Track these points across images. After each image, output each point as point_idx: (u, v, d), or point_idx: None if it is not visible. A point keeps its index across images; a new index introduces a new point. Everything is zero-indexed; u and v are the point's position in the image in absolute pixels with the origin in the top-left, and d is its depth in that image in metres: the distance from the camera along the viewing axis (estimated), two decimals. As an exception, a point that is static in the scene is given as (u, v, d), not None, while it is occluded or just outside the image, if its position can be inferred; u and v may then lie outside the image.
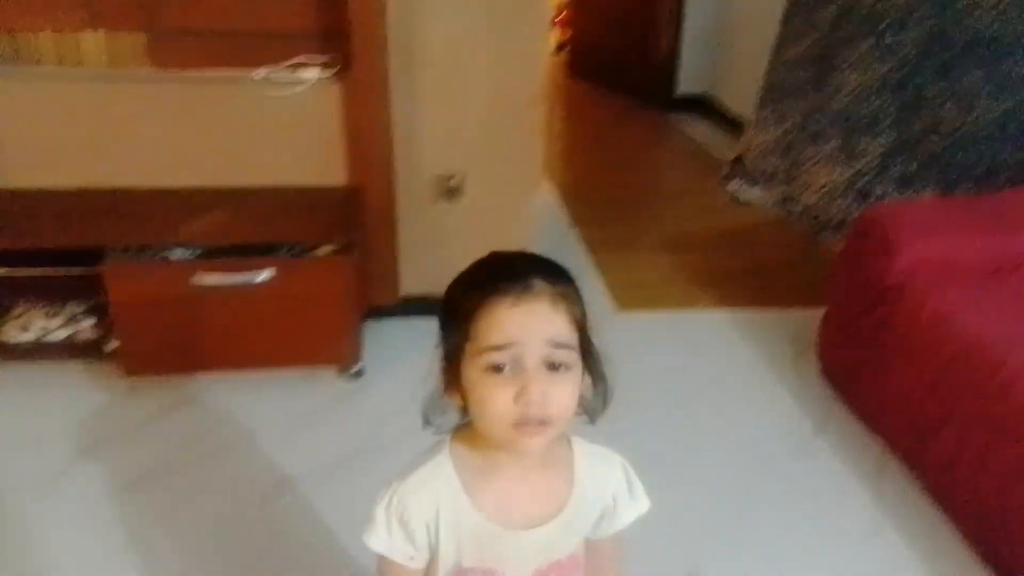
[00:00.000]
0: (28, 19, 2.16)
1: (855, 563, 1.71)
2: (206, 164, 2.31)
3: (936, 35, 2.83)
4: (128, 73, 2.23)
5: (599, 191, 3.91)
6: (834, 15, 3.25)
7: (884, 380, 2.00)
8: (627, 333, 2.55)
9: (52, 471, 1.88)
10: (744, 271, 3.03)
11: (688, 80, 5.17)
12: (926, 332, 1.87)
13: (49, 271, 2.18)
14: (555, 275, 0.84)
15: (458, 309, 0.83)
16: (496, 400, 0.80)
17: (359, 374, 2.27)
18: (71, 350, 2.23)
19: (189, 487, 1.85)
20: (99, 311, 2.22)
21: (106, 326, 2.19)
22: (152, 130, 2.26)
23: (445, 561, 0.90)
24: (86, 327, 2.23)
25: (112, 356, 2.16)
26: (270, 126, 2.28)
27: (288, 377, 2.23)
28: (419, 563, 0.91)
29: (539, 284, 0.81)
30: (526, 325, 0.80)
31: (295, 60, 2.25)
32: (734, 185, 3.85)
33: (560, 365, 0.81)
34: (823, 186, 3.32)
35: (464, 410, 0.87)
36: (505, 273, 0.82)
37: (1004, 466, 1.62)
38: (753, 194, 3.74)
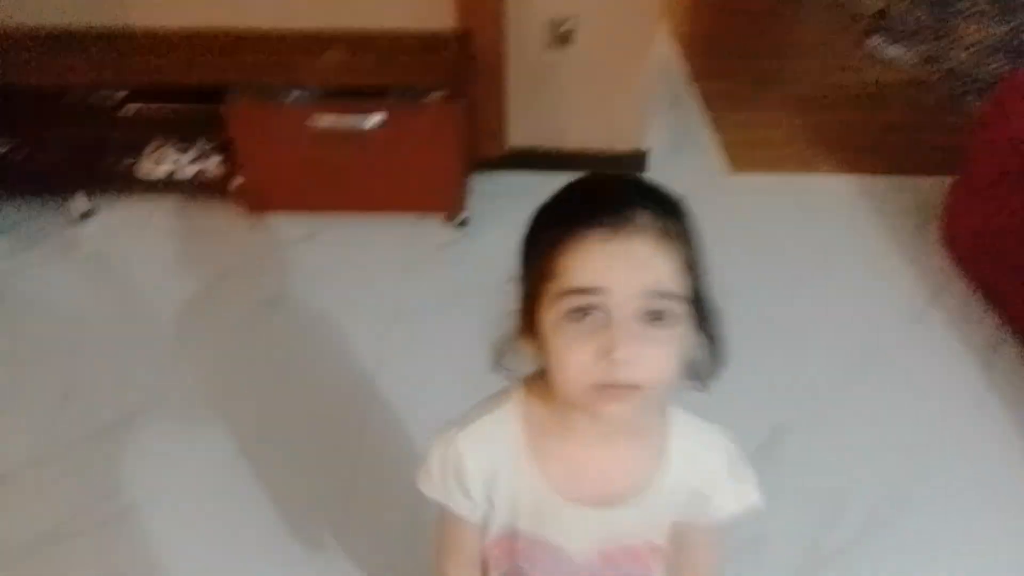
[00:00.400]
0: None
1: (952, 433, 1.68)
2: (323, 5, 2.32)
3: None
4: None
5: (723, 43, 3.68)
6: None
7: (1009, 249, 1.88)
8: (741, 197, 2.48)
9: (195, 290, 2.07)
10: (872, 134, 2.83)
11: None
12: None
13: (179, 108, 2.30)
14: (666, 208, 0.69)
15: (540, 239, 0.70)
16: (574, 356, 0.66)
17: (464, 223, 2.32)
18: (200, 187, 2.37)
19: (310, 311, 2.00)
20: (226, 148, 2.34)
21: (231, 164, 2.32)
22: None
23: (500, 520, 0.81)
24: (213, 164, 2.36)
25: (236, 193, 2.29)
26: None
27: (397, 221, 2.32)
28: (478, 517, 0.82)
29: (643, 217, 0.66)
30: (620, 267, 0.65)
31: None
32: (874, 40, 3.56)
33: (660, 319, 0.66)
34: (975, 43, 3.02)
35: (539, 358, 0.73)
36: (602, 199, 0.68)
37: None
38: (895, 51, 3.45)
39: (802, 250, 2.24)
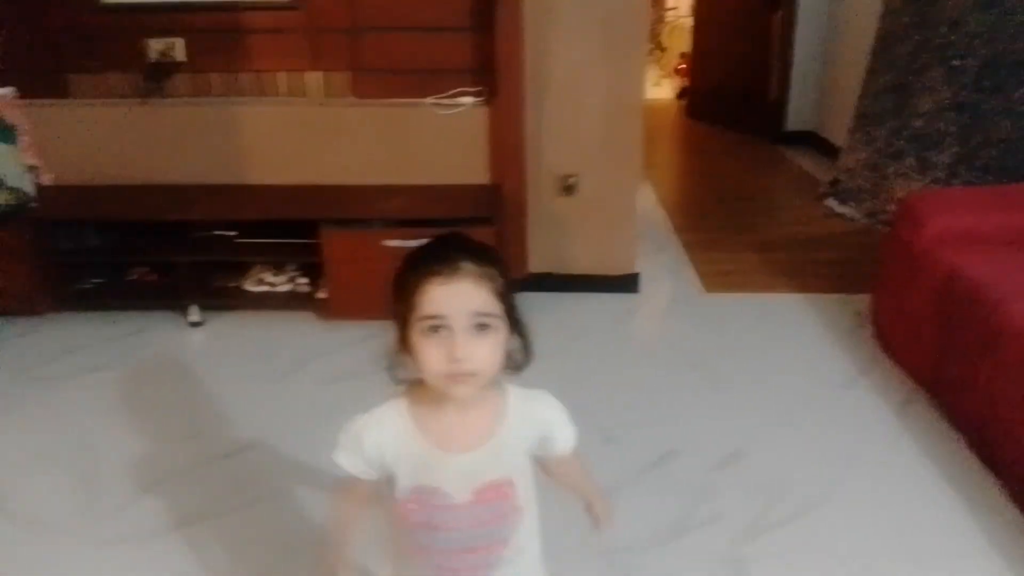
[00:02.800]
0: (268, 62, 3.07)
1: (872, 456, 2.19)
2: (390, 166, 3.11)
3: (992, 58, 3.28)
4: (338, 101, 3.08)
5: (704, 207, 4.49)
6: (911, 49, 3.74)
7: (913, 329, 2.48)
8: (713, 309, 3.13)
9: (281, 372, 2.67)
10: (821, 266, 3.51)
11: (796, 117, 5.67)
12: (945, 287, 2.34)
13: (274, 242, 3.03)
14: (480, 256, 1.01)
15: (404, 285, 1.01)
16: (431, 358, 0.99)
17: (495, 325, 2.95)
18: (290, 300, 3.05)
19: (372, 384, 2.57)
20: (310, 273, 3.04)
21: (315, 284, 3.01)
22: (352, 142, 3.09)
23: (401, 482, 1.09)
24: (302, 284, 3.06)
25: (320, 304, 2.96)
26: (436, 139, 3.07)
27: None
28: (370, 476, 1.12)
29: (465, 266, 0.98)
30: (453, 300, 0.97)
31: (456, 90, 3.03)
32: (830, 201, 4.35)
33: (483, 328, 0.99)
34: (902, 197, 3.79)
35: (413, 364, 1.04)
36: (439, 256, 0.99)
37: (995, 384, 2.07)
38: (845, 209, 4.23)
39: (762, 345, 2.84)
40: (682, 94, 7.22)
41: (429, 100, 3.03)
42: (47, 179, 3.14)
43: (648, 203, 4.36)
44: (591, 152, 3.05)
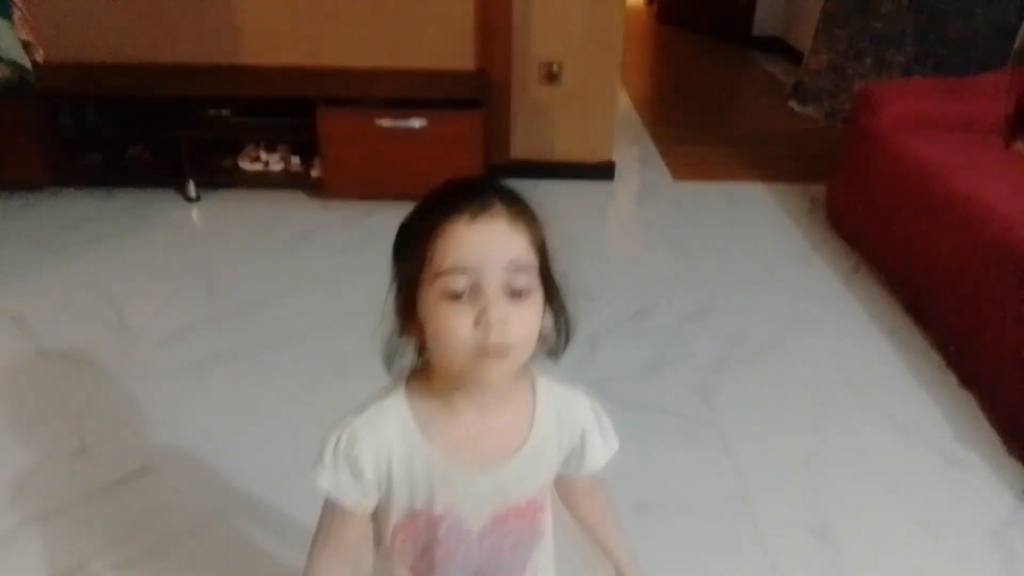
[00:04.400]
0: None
1: (819, 315, 2.49)
2: (380, 51, 3.23)
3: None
4: (329, -16, 3.17)
5: (673, 106, 4.69)
6: (875, -48, 3.90)
7: (866, 207, 2.75)
8: (680, 194, 3.37)
9: (284, 243, 2.85)
10: (782, 159, 3.76)
11: (764, 22, 5.83)
12: (897, 165, 2.60)
13: (269, 120, 3.15)
14: (514, 198, 0.80)
15: (415, 233, 0.78)
16: (455, 327, 0.74)
17: (481, 204, 3.15)
18: (283, 179, 3.20)
19: (368, 262, 2.78)
20: (302, 152, 3.18)
21: (307, 163, 3.16)
22: (346, 26, 3.19)
23: (399, 505, 0.85)
24: (294, 163, 3.21)
25: (314, 182, 3.12)
26: (425, 24, 3.19)
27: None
28: (365, 509, 0.86)
29: (497, 203, 0.77)
30: (485, 245, 0.74)
31: (444, -24, 3.14)
32: (792, 103, 4.57)
33: (521, 291, 0.76)
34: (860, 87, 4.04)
35: (420, 349, 0.82)
36: (462, 192, 0.78)
37: (932, 246, 2.36)
38: (807, 109, 4.46)
39: (726, 226, 3.11)
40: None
41: (418, -14, 3.13)
42: (39, 55, 3.18)
43: (621, 102, 4.53)
44: (574, 41, 3.21)
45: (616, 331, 2.37)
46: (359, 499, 0.84)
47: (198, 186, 3.15)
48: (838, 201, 3.02)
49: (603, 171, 3.44)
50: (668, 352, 2.28)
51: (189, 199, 3.14)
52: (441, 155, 3.01)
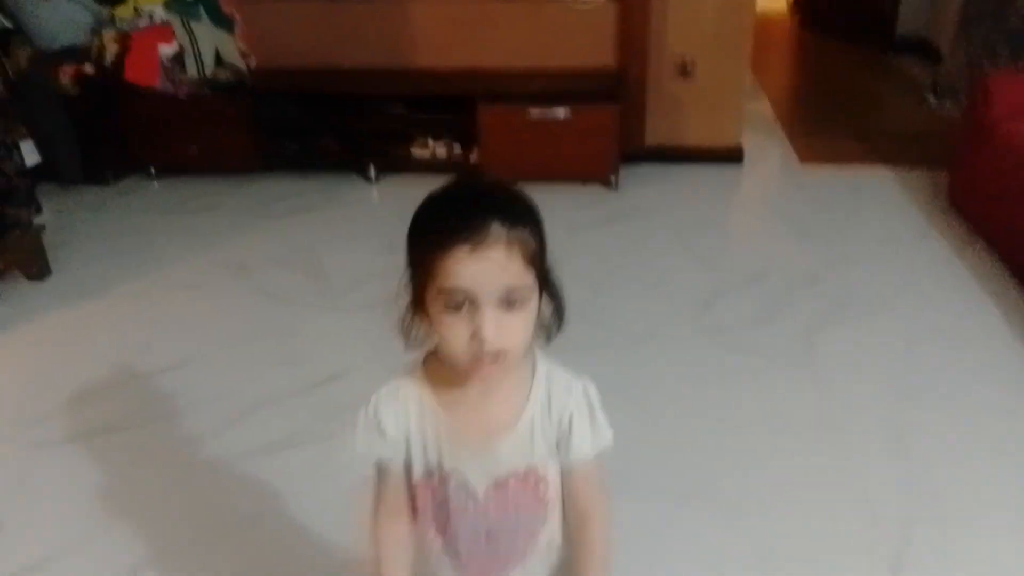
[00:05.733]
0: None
1: (934, 284, 2.68)
2: (531, 53, 3.69)
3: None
4: (490, -4, 3.67)
5: (810, 104, 4.88)
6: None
7: (981, 188, 2.91)
8: (806, 177, 3.61)
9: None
10: (912, 151, 3.88)
11: (907, 24, 5.85)
12: (1008, 148, 2.75)
13: (435, 115, 3.67)
14: (513, 213, 0.85)
15: (422, 245, 0.86)
16: (454, 337, 0.85)
17: (614, 185, 3.53)
18: (447, 164, 3.71)
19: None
20: (463, 141, 3.67)
21: (466, 151, 3.65)
22: (501, 33, 3.67)
23: (418, 462, 0.96)
24: (456, 150, 3.71)
25: (474, 167, 3.61)
26: (572, 30, 3.61)
27: (570, 187, 3.54)
28: (396, 464, 0.97)
29: (496, 229, 0.82)
30: (482, 275, 0.82)
31: (590, -15, 3.56)
32: (930, 99, 4.65)
33: (514, 303, 0.84)
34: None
35: (431, 332, 0.91)
36: (465, 216, 0.83)
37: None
38: (944, 105, 4.53)
39: (847, 204, 3.33)
40: (795, 7, 7.39)
41: (567, -4, 3.57)
42: (252, 62, 3.86)
43: (759, 104, 4.78)
44: (707, 38, 3.53)
45: (733, 290, 2.68)
46: (389, 456, 0.97)
47: (377, 170, 3.71)
48: (957, 185, 3.17)
49: (732, 155, 3.73)
50: (777, 310, 2.56)
51: (369, 180, 3.71)
52: (582, 142, 3.41)
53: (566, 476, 0.99)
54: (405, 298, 0.91)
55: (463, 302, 0.83)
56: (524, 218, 0.86)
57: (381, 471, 0.99)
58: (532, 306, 0.87)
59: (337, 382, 2.25)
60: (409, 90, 3.68)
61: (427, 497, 0.98)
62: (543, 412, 0.95)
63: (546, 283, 0.90)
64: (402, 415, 0.95)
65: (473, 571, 1.00)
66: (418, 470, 0.97)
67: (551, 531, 1.01)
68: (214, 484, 1.91)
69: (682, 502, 1.79)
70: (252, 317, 2.64)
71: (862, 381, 2.21)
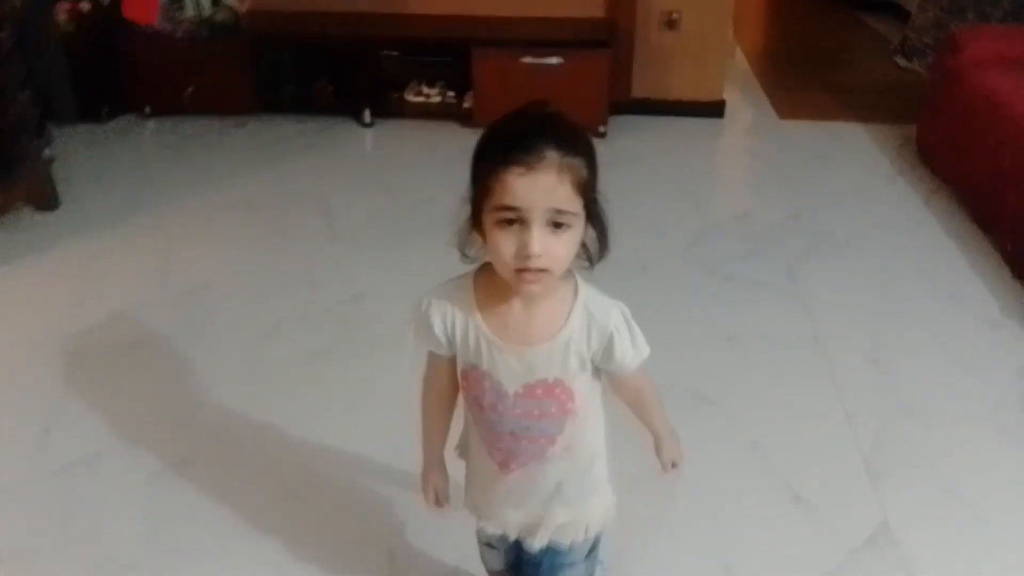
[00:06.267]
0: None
1: (898, 225, 2.90)
2: (525, 1, 3.79)
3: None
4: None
5: (784, 60, 5.06)
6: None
7: (946, 138, 3.13)
8: (784, 131, 3.80)
9: (439, 161, 3.46)
10: (882, 106, 4.09)
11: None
12: (973, 97, 2.96)
13: (429, 60, 3.77)
14: (567, 143, 0.92)
15: (484, 165, 0.94)
16: (503, 250, 0.93)
17: (604, 134, 3.68)
18: (440, 110, 3.82)
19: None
20: (456, 87, 3.78)
21: (459, 97, 3.76)
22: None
23: (462, 358, 1.08)
24: (449, 96, 3.82)
25: (465, 112, 3.72)
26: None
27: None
28: (445, 352, 1.09)
29: (549, 154, 0.89)
30: (532, 193, 0.89)
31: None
32: (898, 58, 4.87)
33: (561, 225, 0.92)
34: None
35: (485, 247, 0.99)
36: (522, 141, 0.90)
37: (1000, 164, 2.72)
38: (912, 64, 4.75)
39: (823, 154, 3.53)
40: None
41: (559, -55, 3.67)
42: (246, 4, 3.90)
43: (736, 57, 4.94)
44: (693, -7, 3.68)
45: (719, 228, 2.88)
46: (436, 348, 1.10)
47: (372, 115, 3.81)
48: (925, 136, 3.39)
49: (714, 109, 3.90)
50: (762, 243, 2.76)
51: (364, 125, 3.80)
52: (572, 89, 3.54)
53: (617, 383, 1.12)
54: (464, 213, 0.99)
55: (515, 219, 0.92)
56: (578, 148, 0.93)
57: (431, 360, 1.14)
58: (577, 231, 0.95)
59: (361, 301, 2.40)
60: (404, 35, 3.77)
61: (466, 390, 1.10)
62: (581, 332, 1.03)
63: (593, 212, 0.97)
64: (448, 316, 1.05)
65: (498, 459, 1.12)
66: (462, 365, 1.09)
67: (570, 438, 1.09)
68: (252, 390, 2.05)
69: (677, 403, 1.98)
70: (265, 248, 2.76)
71: (840, 304, 2.42)
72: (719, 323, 2.32)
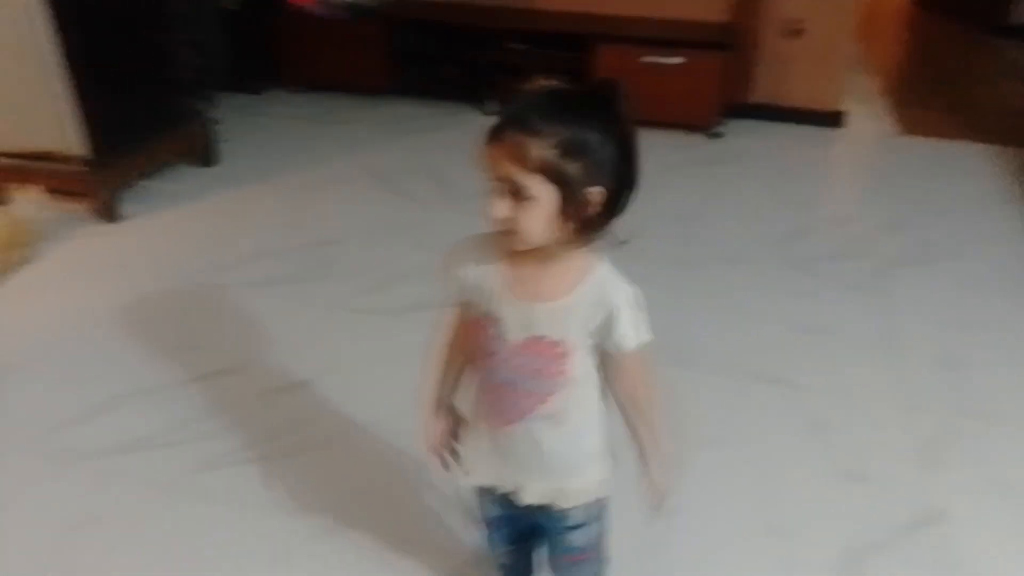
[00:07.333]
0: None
1: (1003, 245, 2.87)
2: (649, 1, 3.94)
3: None
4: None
5: (910, 76, 4.99)
6: None
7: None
8: (903, 147, 3.79)
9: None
10: (1010, 129, 3.99)
11: (1021, 11, 5.81)
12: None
13: (548, 53, 3.97)
14: (536, 123, 0.97)
15: None
16: (489, 208, 1.02)
17: (718, 135, 3.78)
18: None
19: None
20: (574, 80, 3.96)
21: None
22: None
23: (475, 307, 1.15)
24: (569, 89, 4.01)
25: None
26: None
27: (671, 133, 3.80)
28: (461, 305, 1.19)
29: (510, 134, 0.97)
30: (490, 163, 1.00)
31: (711, -57, 3.77)
32: (1031, 83, 4.70)
33: (519, 195, 0.99)
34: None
35: None
36: (500, 117, 1.01)
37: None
38: (1046, 90, 4.59)
39: (937, 172, 3.50)
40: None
41: (688, -50, 3.80)
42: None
43: (864, 77, 4.90)
44: (816, 3, 3.72)
45: (815, 229, 2.96)
46: (456, 295, 1.17)
47: (492, 102, 4.04)
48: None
49: (833, 119, 3.92)
50: (854, 247, 2.82)
51: (483, 112, 4.05)
52: (690, 90, 3.67)
53: (612, 363, 1.14)
54: None
55: (492, 186, 1.01)
56: (546, 131, 0.96)
57: (452, 308, 1.23)
58: (541, 203, 0.99)
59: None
60: (529, 28, 3.99)
61: (477, 335, 1.16)
62: (588, 303, 1.08)
63: (568, 190, 0.98)
64: (471, 264, 1.13)
65: (489, 412, 1.20)
66: (475, 312, 1.15)
67: (561, 403, 1.14)
68: (362, 330, 2.33)
69: (752, 380, 2.12)
70: (390, 210, 3.06)
71: (922, 311, 2.46)
72: (797, 314, 2.42)
